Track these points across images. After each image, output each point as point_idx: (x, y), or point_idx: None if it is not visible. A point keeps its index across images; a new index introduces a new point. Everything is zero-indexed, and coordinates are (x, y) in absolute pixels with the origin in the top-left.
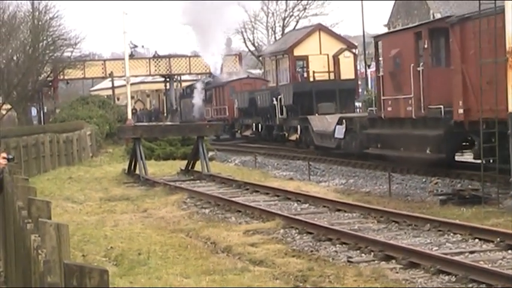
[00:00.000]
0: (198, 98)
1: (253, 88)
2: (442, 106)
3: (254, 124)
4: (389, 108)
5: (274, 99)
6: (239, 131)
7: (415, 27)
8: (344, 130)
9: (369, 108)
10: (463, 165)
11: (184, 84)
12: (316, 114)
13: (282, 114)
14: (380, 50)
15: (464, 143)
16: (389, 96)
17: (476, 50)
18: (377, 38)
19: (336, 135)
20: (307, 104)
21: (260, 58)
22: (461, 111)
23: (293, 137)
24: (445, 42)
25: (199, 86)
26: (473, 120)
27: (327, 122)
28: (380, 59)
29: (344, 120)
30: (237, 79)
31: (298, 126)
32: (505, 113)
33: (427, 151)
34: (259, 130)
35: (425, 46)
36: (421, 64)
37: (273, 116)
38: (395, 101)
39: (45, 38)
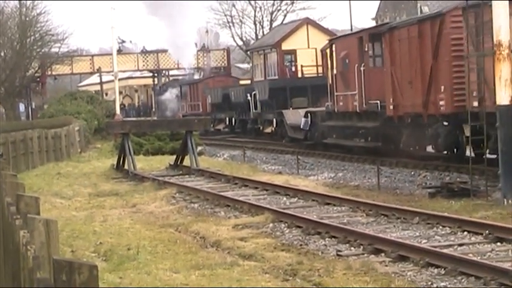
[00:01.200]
0: (173, 95)
1: (226, 85)
2: (378, 101)
3: (227, 118)
4: (340, 103)
5: (248, 94)
6: (212, 125)
7: (358, 32)
8: (309, 123)
9: (326, 103)
10: (450, 158)
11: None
12: (290, 109)
13: (256, 108)
14: (334, 52)
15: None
16: (341, 92)
17: (401, 55)
18: (331, 40)
19: (302, 127)
20: (281, 99)
21: (248, 52)
22: (391, 107)
23: (268, 130)
24: (380, 46)
25: (172, 83)
26: (400, 115)
27: (299, 116)
28: (334, 59)
29: (309, 114)
30: (210, 77)
31: (274, 120)
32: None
33: (368, 140)
34: (233, 124)
35: (366, 49)
36: (363, 65)
37: (246, 111)
38: (344, 97)
39: (32, 33)
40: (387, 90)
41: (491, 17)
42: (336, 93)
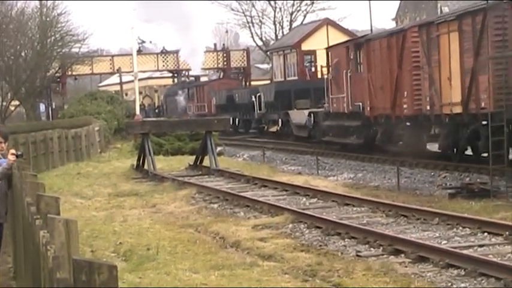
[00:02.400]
0: (181, 97)
1: (230, 87)
2: (360, 103)
3: (231, 118)
4: (334, 105)
5: (252, 96)
6: None
7: (346, 42)
8: (312, 122)
9: (325, 104)
10: (470, 158)
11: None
12: (295, 109)
13: (260, 109)
14: (330, 59)
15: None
16: (334, 95)
17: (375, 63)
18: (328, 49)
19: (306, 125)
20: (286, 101)
21: (268, 53)
22: (368, 108)
23: (273, 129)
24: (361, 55)
25: (181, 85)
26: (375, 115)
27: (303, 116)
28: (329, 65)
29: (312, 114)
30: (215, 79)
31: (280, 120)
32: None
33: (354, 137)
34: (237, 124)
35: (351, 57)
36: (349, 71)
37: (251, 111)
38: (337, 99)
39: (53, 34)
40: (365, 94)
41: (438, 34)
42: (330, 96)
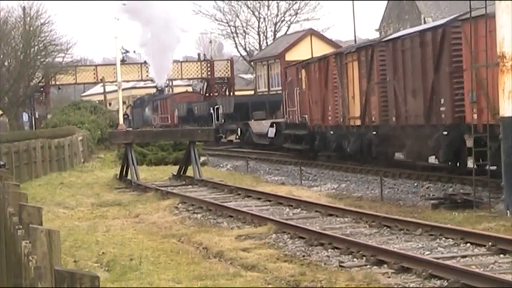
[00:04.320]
0: (146, 108)
1: (190, 100)
2: (306, 115)
3: None
4: (290, 117)
5: (211, 108)
6: None
7: (296, 64)
8: (274, 131)
9: (285, 116)
10: (453, 169)
11: (176, 89)
12: (252, 120)
13: (218, 120)
14: (286, 77)
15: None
16: (290, 108)
17: (312, 83)
18: (285, 68)
19: (268, 135)
20: (244, 112)
21: (252, 63)
22: (309, 120)
23: (231, 138)
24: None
25: (147, 98)
26: (313, 125)
27: (262, 126)
28: (286, 83)
29: (274, 124)
30: (177, 93)
31: (239, 129)
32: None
33: (303, 144)
34: None
35: (299, 77)
36: (298, 88)
37: (209, 122)
38: (292, 112)
39: (36, 43)
40: (307, 108)
41: (346, 62)
42: (287, 109)
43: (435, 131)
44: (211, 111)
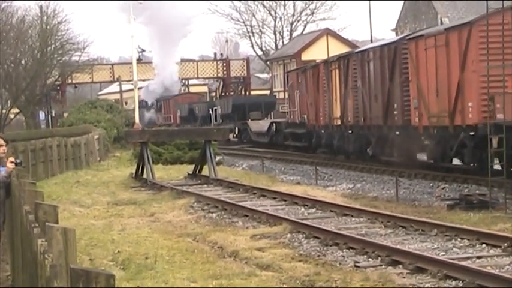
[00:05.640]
0: (151, 108)
1: (191, 101)
2: (305, 116)
3: None
4: (291, 117)
5: (210, 109)
6: None
7: (297, 69)
8: (274, 130)
9: (286, 116)
10: (466, 170)
11: (192, 88)
12: (249, 120)
13: (216, 120)
14: (287, 81)
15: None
16: (291, 109)
17: (309, 86)
18: (286, 73)
19: (269, 133)
20: (241, 113)
21: (268, 62)
22: (307, 119)
23: (229, 136)
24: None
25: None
26: (311, 124)
27: (260, 125)
28: (287, 86)
29: (274, 124)
30: (179, 94)
31: (237, 128)
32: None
33: (302, 141)
34: None
35: (299, 81)
36: (298, 91)
37: (208, 122)
38: (293, 112)
39: (53, 42)
40: (306, 109)
41: (331, 69)
42: (288, 110)
43: (390, 131)
44: (210, 111)
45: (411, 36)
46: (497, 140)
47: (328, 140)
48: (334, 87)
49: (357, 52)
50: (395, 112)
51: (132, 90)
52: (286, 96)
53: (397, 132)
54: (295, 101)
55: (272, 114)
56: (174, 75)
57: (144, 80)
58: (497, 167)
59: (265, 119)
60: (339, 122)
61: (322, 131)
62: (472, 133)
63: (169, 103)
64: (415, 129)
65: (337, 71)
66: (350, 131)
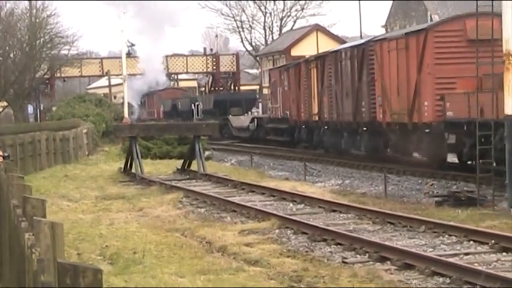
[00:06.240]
0: (135, 103)
1: (174, 96)
2: (287, 112)
3: None
4: (273, 112)
5: (192, 105)
6: None
7: (279, 67)
8: (256, 125)
9: (268, 111)
10: (456, 167)
11: (181, 83)
12: (230, 115)
13: (198, 115)
14: (269, 78)
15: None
16: (273, 105)
17: (291, 84)
18: (269, 70)
19: (250, 128)
20: (222, 109)
21: (257, 58)
22: (289, 115)
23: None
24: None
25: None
26: (294, 120)
27: (241, 120)
28: (270, 83)
29: (256, 119)
30: (163, 89)
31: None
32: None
33: (285, 136)
34: None
35: (282, 78)
36: (281, 88)
37: (191, 117)
38: (275, 108)
39: (42, 35)
40: (288, 105)
41: (310, 68)
42: (270, 106)
43: (359, 126)
44: (193, 107)
45: (377, 39)
46: (455, 136)
47: (309, 134)
48: (312, 85)
49: (332, 52)
50: (363, 109)
51: (121, 84)
52: (269, 92)
53: (364, 128)
54: (277, 97)
55: (260, 108)
56: (161, 69)
57: (133, 75)
58: (454, 159)
59: (246, 114)
60: (316, 118)
61: (303, 126)
62: (427, 130)
63: (153, 98)
64: (380, 125)
65: (315, 69)
66: (326, 127)
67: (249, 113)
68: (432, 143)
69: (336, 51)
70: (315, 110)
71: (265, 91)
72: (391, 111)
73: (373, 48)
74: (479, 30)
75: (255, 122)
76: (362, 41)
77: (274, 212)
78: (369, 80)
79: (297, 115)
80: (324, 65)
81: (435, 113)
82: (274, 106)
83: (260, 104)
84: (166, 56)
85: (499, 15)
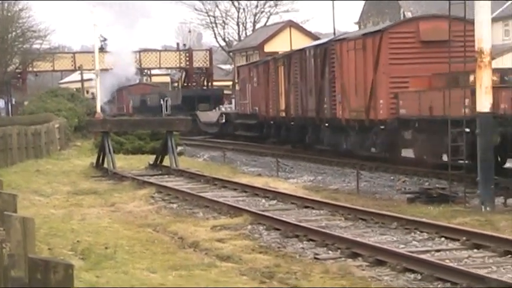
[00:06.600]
0: (105, 98)
1: (144, 92)
2: (257, 108)
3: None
4: (242, 108)
5: (161, 100)
6: None
7: (249, 64)
8: (224, 120)
9: (237, 107)
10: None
11: (154, 78)
12: (198, 111)
13: (167, 110)
14: (238, 75)
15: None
16: (242, 101)
17: (260, 81)
18: (238, 68)
19: (219, 123)
20: (190, 104)
21: (230, 54)
22: (259, 111)
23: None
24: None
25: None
26: (262, 115)
27: (209, 116)
28: (238, 80)
29: (224, 115)
30: (132, 84)
31: None
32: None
33: (253, 131)
34: None
35: (251, 75)
36: (250, 85)
37: (159, 112)
38: (244, 104)
39: (14, 29)
40: (258, 101)
41: (277, 65)
42: (239, 102)
43: (321, 122)
44: (162, 102)
45: (337, 39)
46: (410, 132)
47: (277, 130)
48: (280, 82)
49: (297, 51)
50: (325, 106)
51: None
52: (238, 88)
53: (326, 124)
54: (246, 93)
55: (233, 103)
56: (132, 64)
57: (106, 70)
58: (409, 154)
59: (214, 110)
60: (284, 114)
61: (272, 122)
62: (382, 127)
63: (123, 93)
64: (340, 122)
65: (282, 67)
66: (292, 123)
67: (217, 108)
68: (388, 139)
69: (301, 50)
70: (282, 106)
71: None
72: (349, 109)
73: (334, 47)
74: (432, 32)
75: (224, 117)
76: (325, 40)
77: (247, 208)
78: (330, 78)
79: (265, 111)
80: (290, 63)
81: (389, 110)
82: (243, 102)
83: (233, 100)
84: (139, 51)
85: (451, 18)
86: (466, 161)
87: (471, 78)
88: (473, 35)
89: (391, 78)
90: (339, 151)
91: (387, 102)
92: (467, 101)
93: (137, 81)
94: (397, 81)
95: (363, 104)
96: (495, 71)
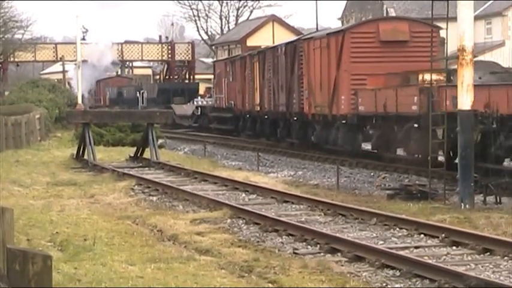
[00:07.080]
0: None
1: (121, 84)
2: (232, 102)
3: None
4: (218, 102)
5: (137, 92)
6: None
7: (225, 59)
8: (199, 113)
9: (212, 101)
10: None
11: (136, 70)
12: (173, 104)
13: (143, 103)
14: (214, 69)
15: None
16: (217, 95)
17: (237, 75)
18: (214, 62)
19: (194, 116)
20: (166, 97)
21: (213, 47)
22: (235, 105)
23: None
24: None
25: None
26: (238, 109)
27: (184, 109)
28: (215, 74)
29: (199, 108)
30: (109, 77)
31: None
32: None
33: (229, 124)
34: None
35: (227, 70)
36: (226, 79)
37: (135, 105)
38: (219, 98)
39: None
40: (234, 95)
41: (253, 61)
42: (215, 96)
43: (291, 117)
44: (138, 95)
45: (305, 37)
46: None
47: (252, 123)
48: (255, 77)
49: (271, 48)
50: (294, 101)
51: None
52: (214, 82)
53: (295, 118)
54: (222, 88)
55: (193, 100)
56: (110, 55)
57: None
58: (368, 147)
59: (188, 103)
60: (258, 108)
61: (247, 116)
62: (343, 121)
63: (100, 85)
64: (306, 116)
65: (257, 63)
66: (266, 116)
67: (192, 102)
68: (349, 133)
69: (274, 47)
70: (257, 100)
71: None
72: (315, 104)
73: (302, 45)
74: (391, 33)
75: (199, 110)
76: (294, 38)
77: (227, 202)
78: (298, 74)
79: (241, 105)
80: (264, 60)
81: (350, 106)
82: (218, 96)
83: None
84: (121, 43)
85: (410, 20)
86: (420, 155)
87: (420, 77)
88: (435, 36)
89: (352, 75)
90: (307, 144)
91: (348, 99)
92: (415, 98)
93: (114, 73)
94: (357, 78)
95: (327, 99)
96: (442, 71)
